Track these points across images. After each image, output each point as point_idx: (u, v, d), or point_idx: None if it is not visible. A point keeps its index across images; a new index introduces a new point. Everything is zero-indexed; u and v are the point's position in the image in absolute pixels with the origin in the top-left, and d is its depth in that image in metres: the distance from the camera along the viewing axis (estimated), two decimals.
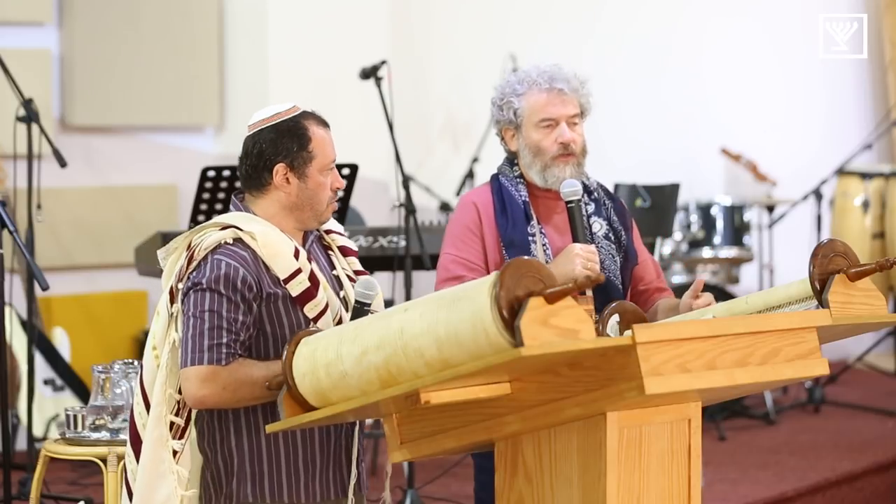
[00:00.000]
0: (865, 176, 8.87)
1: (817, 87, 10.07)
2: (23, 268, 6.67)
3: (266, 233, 3.68)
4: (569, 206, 4.24)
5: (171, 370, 3.68)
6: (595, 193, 4.37)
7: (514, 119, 4.31)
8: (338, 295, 3.79)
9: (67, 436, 4.52)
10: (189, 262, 3.67)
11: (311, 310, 3.70)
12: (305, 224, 3.77)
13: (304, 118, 3.77)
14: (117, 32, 7.72)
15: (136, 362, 4.51)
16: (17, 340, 6.68)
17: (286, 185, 3.72)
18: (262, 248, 3.66)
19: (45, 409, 6.75)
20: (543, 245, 4.27)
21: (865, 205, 8.82)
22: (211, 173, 6.03)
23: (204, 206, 6.06)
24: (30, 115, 6.20)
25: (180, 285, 3.68)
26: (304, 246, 3.78)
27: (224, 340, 3.60)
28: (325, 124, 3.80)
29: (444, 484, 6.39)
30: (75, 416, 4.53)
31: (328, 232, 3.90)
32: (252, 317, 3.64)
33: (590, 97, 4.35)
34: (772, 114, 9.89)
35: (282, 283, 3.67)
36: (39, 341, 6.71)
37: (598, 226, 4.33)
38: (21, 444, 6.59)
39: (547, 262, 4.23)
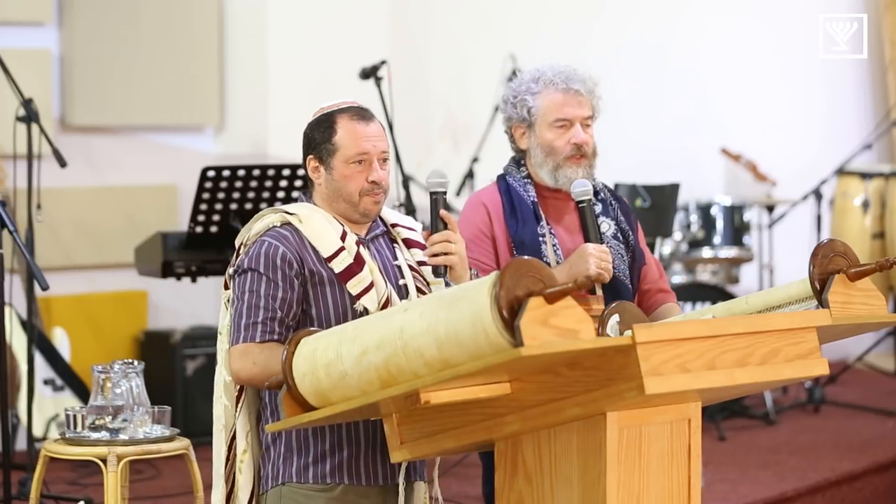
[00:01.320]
0: (865, 176, 8.87)
1: (817, 87, 10.07)
2: (23, 268, 6.66)
3: (310, 214, 3.80)
4: (580, 206, 4.25)
5: (224, 355, 3.82)
6: (601, 194, 4.39)
7: (528, 117, 4.31)
8: (396, 283, 3.84)
9: (67, 436, 4.52)
10: (239, 249, 3.81)
11: (354, 286, 3.76)
12: (348, 215, 3.85)
13: (341, 111, 3.85)
14: (117, 32, 7.72)
15: (135, 362, 4.51)
16: (17, 340, 6.68)
17: (317, 177, 3.85)
18: (305, 228, 3.77)
19: (45, 409, 6.75)
20: (554, 245, 4.27)
21: (865, 205, 8.82)
22: (211, 173, 6.04)
23: (204, 206, 6.06)
24: (30, 115, 6.20)
25: (230, 270, 3.81)
26: (366, 236, 3.85)
27: (259, 318, 3.71)
28: (364, 118, 3.85)
29: (444, 484, 6.36)
30: (75, 416, 4.52)
31: (394, 225, 3.97)
32: (296, 293, 3.74)
33: (601, 101, 4.36)
34: (772, 114, 9.89)
35: (325, 261, 3.75)
36: (39, 341, 6.71)
37: (607, 225, 4.35)
38: (21, 444, 6.58)
39: (558, 262, 4.24)
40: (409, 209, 6.18)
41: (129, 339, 7.65)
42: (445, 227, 3.88)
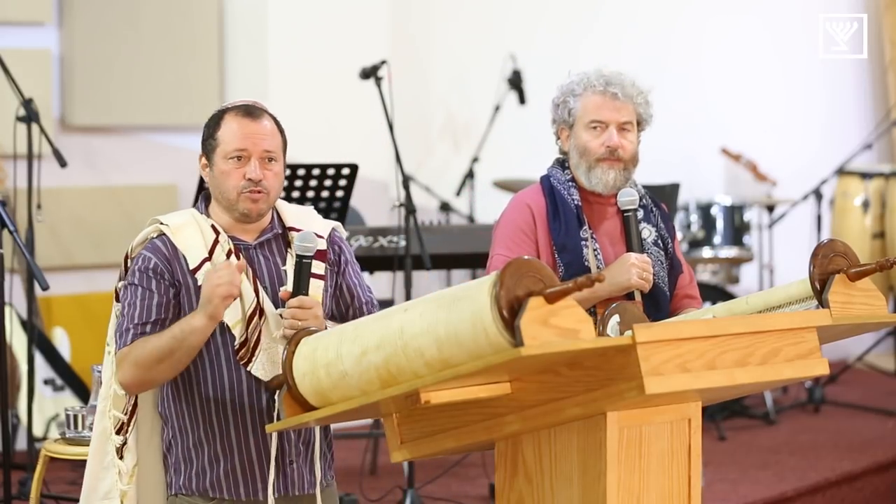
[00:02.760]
0: (865, 176, 8.87)
1: (817, 87, 10.07)
2: (23, 268, 6.67)
3: (181, 225, 3.78)
4: (625, 214, 4.26)
5: (111, 366, 3.80)
6: (643, 200, 4.40)
7: (568, 119, 4.34)
8: (276, 289, 3.77)
9: (67, 436, 4.52)
10: (125, 262, 3.82)
11: None
12: (232, 215, 3.79)
13: (230, 108, 3.81)
14: (117, 32, 7.72)
15: None
16: (17, 340, 6.68)
17: (205, 175, 3.83)
18: (176, 238, 3.76)
19: (45, 409, 6.75)
20: (595, 250, 4.27)
21: (865, 205, 8.82)
22: None
23: None
24: (30, 115, 6.20)
25: (118, 285, 3.83)
26: (255, 240, 3.79)
27: (131, 326, 3.71)
28: (249, 114, 3.77)
29: (444, 484, 6.39)
30: (75, 416, 4.53)
31: (291, 228, 3.87)
32: (171, 297, 3.73)
33: (649, 108, 4.35)
34: (772, 114, 9.89)
35: (191, 272, 3.74)
36: (39, 341, 6.71)
37: (648, 232, 4.36)
38: (21, 443, 6.59)
39: (598, 267, 4.25)
40: (410, 209, 6.18)
41: None
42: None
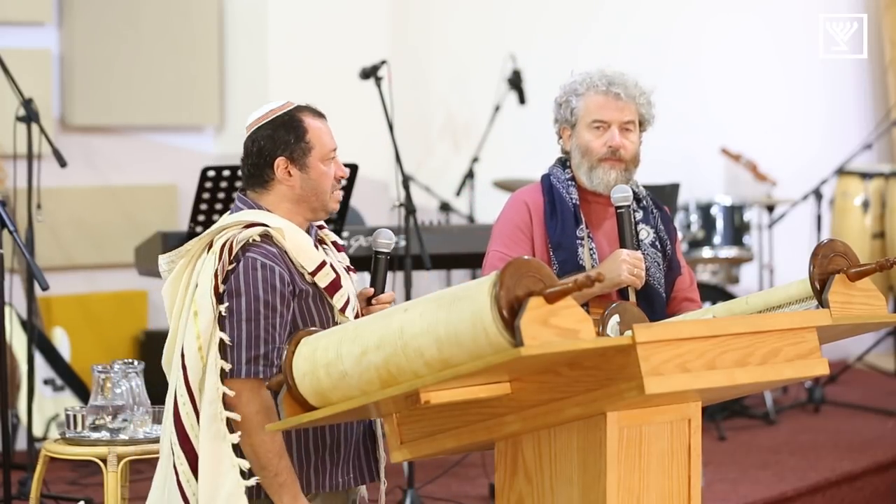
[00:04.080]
0: (865, 176, 8.87)
1: (817, 87, 10.08)
2: (23, 268, 6.67)
3: (288, 227, 3.73)
4: (618, 211, 4.26)
5: (219, 369, 3.67)
6: (644, 201, 4.40)
7: (570, 118, 4.34)
8: None
9: (67, 436, 4.52)
10: (228, 261, 3.66)
11: (338, 300, 3.74)
12: (314, 215, 3.82)
13: (298, 111, 3.81)
14: (117, 32, 7.72)
15: (135, 362, 4.52)
16: (17, 340, 6.68)
17: (289, 178, 3.76)
18: (288, 243, 3.69)
19: (45, 409, 6.75)
20: (591, 249, 4.27)
21: (865, 205, 8.82)
22: (211, 173, 6.03)
23: (204, 206, 6.06)
24: (30, 115, 6.20)
25: (223, 285, 3.66)
26: None
27: (261, 351, 3.63)
28: (320, 115, 3.83)
29: (444, 484, 6.39)
30: (75, 416, 4.52)
31: (320, 227, 3.93)
32: (290, 313, 3.68)
33: (651, 108, 4.35)
34: (772, 114, 9.89)
35: (308, 276, 3.70)
36: (39, 341, 6.71)
37: (646, 233, 4.35)
38: (21, 443, 6.59)
39: (593, 266, 4.24)
40: (410, 209, 6.18)
41: (129, 339, 7.65)
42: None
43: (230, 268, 3.66)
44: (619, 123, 4.30)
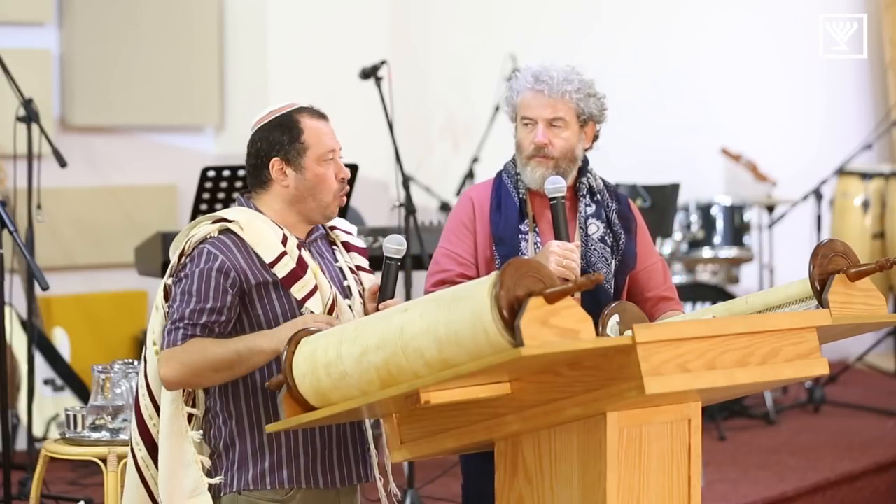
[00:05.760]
0: (865, 176, 8.87)
1: (817, 87, 10.08)
2: (23, 268, 6.67)
3: (251, 220, 3.75)
4: (552, 202, 4.21)
5: None
6: (598, 195, 4.33)
7: (512, 115, 4.34)
8: (340, 285, 3.83)
9: (67, 436, 4.52)
10: (180, 258, 3.74)
11: (298, 291, 3.73)
12: (310, 216, 3.82)
13: (297, 112, 3.83)
14: (117, 32, 7.72)
15: (135, 362, 4.51)
16: (17, 340, 6.68)
17: (284, 179, 3.78)
18: (246, 234, 3.71)
19: (45, 409, 6.75)
20: (535, 244, 4.24)
21: (865, 205, 8.82)
22: (211, 173, 6.04)
23: (204, 206, 6.06)
24: (30, 115, 6.21)
25: (168, 281, 3.76)
26: (306, 240, 3.82)
27: (180, 324, 3.66)
28: (320, 116, 3.84)
29: (444, 484, 6.39)
30: (75, 416, 4.53)
31: (332, 228, 3.94)
32: (228, 303, 3.68)
33: (594, 101, 4.28)
34: (772, 114, 9.90)
35: (268, 266, 3.71)
36: (39, 341, 6.71)
37: (595, 227, 4.29)
38: (21, 444, 6.59)
39: None
40: (410, 209, 6.17)
41: (129, 339, 7.65)
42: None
43: (182, 262, 3.73)
44: (544, 120, 4.25)
